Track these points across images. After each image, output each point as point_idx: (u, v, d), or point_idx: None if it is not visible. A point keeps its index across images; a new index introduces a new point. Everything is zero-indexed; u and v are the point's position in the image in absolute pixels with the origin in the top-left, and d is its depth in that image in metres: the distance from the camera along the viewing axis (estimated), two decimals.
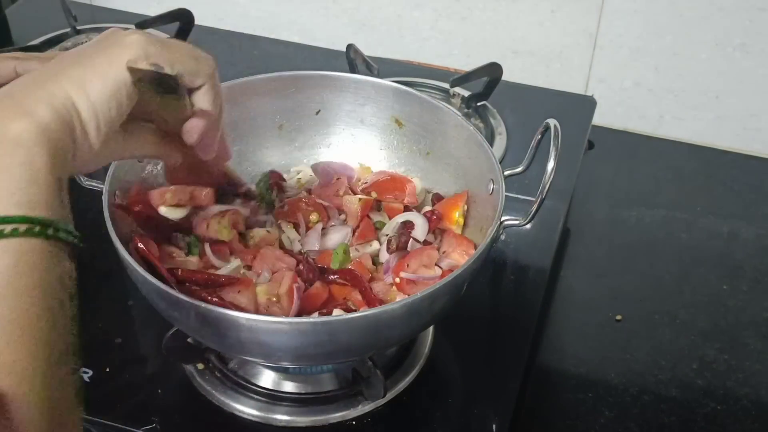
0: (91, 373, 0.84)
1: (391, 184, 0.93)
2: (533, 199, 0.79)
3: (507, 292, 1.00)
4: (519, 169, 0.86)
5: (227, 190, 0.88)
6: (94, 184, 0.83)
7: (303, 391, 0.85)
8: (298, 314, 0.78)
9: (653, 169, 1.22)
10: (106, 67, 0.60)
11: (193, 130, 0.69)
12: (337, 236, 0.89)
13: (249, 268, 0.84)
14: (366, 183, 0.94)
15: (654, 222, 1.13)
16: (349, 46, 1.21)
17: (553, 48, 1.32)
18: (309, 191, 0.95)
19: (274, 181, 0.93)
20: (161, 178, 0.90)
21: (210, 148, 0.72)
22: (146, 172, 0.87)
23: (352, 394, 0.84)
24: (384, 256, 0.87)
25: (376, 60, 1.21)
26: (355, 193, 0.93)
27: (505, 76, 1.17)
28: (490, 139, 1.15)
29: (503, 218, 0.79)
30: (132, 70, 0.60)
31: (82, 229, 1.02)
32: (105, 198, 0.78)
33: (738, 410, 0.90)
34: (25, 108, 0.56)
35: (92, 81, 0.60)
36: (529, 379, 0.91)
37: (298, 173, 0.97)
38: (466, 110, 1.20)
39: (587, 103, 1.24)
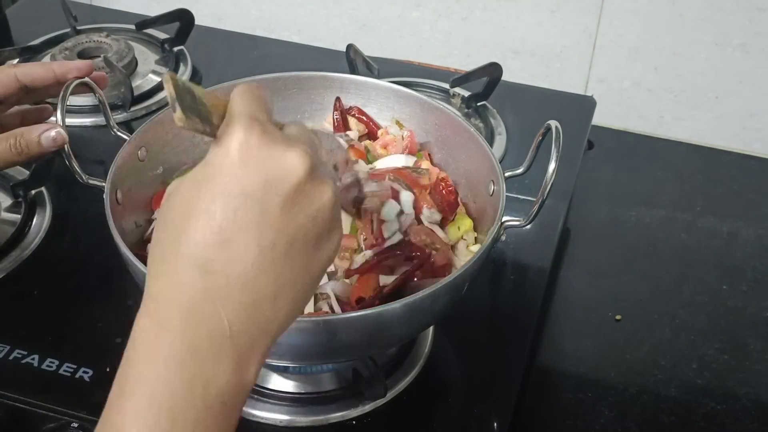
0: (91, 373, 0.84)
1: None
2: (533, 199, 0.79)
3: (507, 292, 1.00)
4: (520, 171, 0.86)
5: None
6: (95, 182, 0.83)
7: (303, 391, 0.85)
8: None
9: (653, 169, 1.22)
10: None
11: None
12: None
13: None
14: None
15: (654, 222, 1.13)
16: (349, 47, 1.21)
17: (553, 48, 1.32)
18: None
19: None
20: (162, 179, 0.90)
21: None
22: (149, 171, 0.87)
23: (353, 394, 0.84)
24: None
25: (376, 60, 1.21)
26: None
27: (505, 76, 1.17)
28: (490, 139, 1.15)
29: (504, 219, 0.79)
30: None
31: (83, 228, 1.03)
32: (106, 196, 0.78)
33: (738, 410, 0.90)
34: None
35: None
36: (529, 379, 0.91)
37: None
38: (466, 110, 1.20)
39: (587, 104, 1.24)
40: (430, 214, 0.86)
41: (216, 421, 0.48)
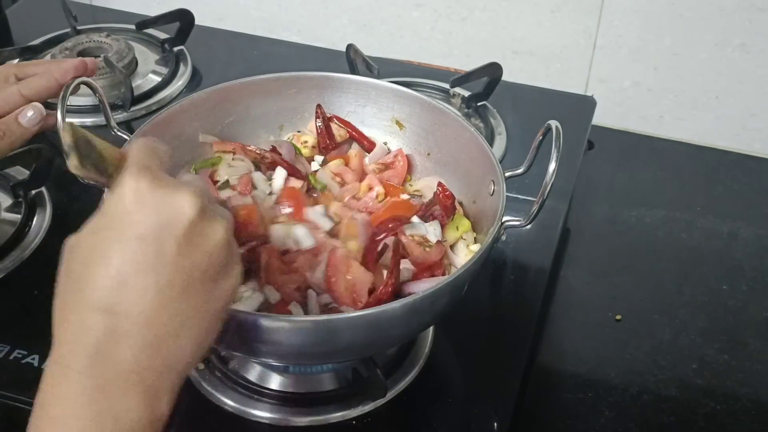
0: None
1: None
2: (533, 199, 0.79)
3: (507, 292, 1.00)
4: (520, 171, 0.86)
5: None
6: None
7: (303, 391, 0.85)
8: None
9: (653, 169, 1.22)
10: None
11: None
12: None
13: None
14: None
15: (654, 222, 1.13)
16: (349, 46, 1.21)
17: (553, 48, 1.32)
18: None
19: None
20: None
21: None
22: None
23: (352, 394, 0.84)
24: None
25: (376, 60, 1.21)
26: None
27: (505, 76, 1.17)
28: (490, 138, 1.15)
29: (504, 219, 0.79)
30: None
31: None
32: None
33: (738, 410, 0.90)
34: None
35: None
36: (529, 379, 0.91)
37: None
38: (466, 110, 1.20)
39: (587, 103, 1.24)
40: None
41: None
